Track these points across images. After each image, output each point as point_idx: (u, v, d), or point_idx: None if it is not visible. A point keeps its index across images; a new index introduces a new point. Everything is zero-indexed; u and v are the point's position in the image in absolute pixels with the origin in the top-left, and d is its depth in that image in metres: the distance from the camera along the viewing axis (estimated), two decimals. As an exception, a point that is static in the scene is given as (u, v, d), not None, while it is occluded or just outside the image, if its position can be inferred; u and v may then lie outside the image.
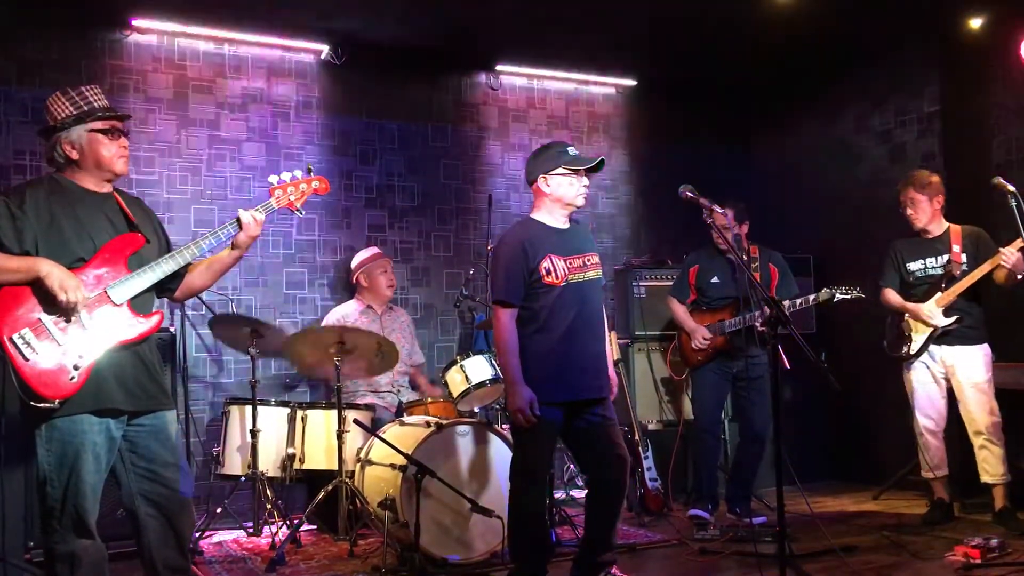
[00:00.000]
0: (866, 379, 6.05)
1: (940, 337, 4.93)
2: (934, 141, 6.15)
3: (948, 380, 4.98)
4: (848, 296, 5.00)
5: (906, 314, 5.06)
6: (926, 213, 5.00)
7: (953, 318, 4.88)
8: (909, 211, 5.03)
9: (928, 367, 5.00)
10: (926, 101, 6.24)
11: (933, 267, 5.01)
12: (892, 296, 5.13)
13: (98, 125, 3.06)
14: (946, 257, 4.96)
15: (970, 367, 4.87)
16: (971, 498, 5.21)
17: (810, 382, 5.99)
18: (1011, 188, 4.60)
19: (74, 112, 3.04)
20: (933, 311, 4.91)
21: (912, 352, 5.00)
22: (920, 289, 5.03)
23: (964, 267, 4.89)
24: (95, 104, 3.07)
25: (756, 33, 5.99)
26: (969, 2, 5.64)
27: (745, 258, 5.16)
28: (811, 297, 5.04)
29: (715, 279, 5.31)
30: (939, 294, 4.91)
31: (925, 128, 6.23)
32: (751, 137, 7.43)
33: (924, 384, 5.02)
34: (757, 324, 4.95)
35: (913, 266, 5.08)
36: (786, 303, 5.02)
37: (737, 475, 5.33)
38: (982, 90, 5.99)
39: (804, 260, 6.39)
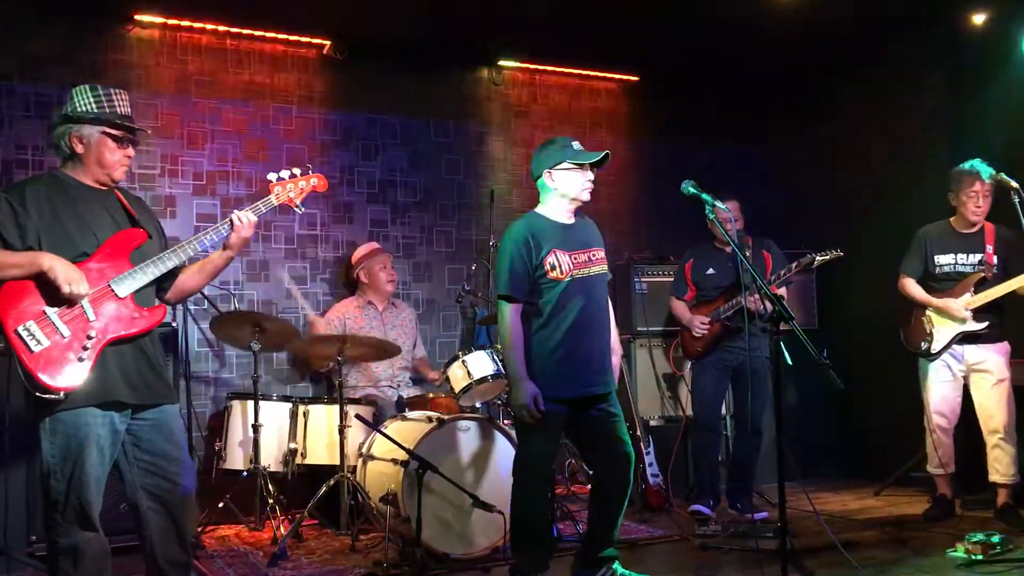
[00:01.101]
0: (868, 376, 6.05)
1: (965, 337, 4.87)
2: (937, 137, 6.14)
3: (966, 378, 4.92)
4: (827, 257, 4.95)
5: (927, 309, 4.97)
6: (986, 212, 4.89)
7: (985, 323, 4.80)
8: (979, 204, 4.84)
9: (949, 366, 4.93)
10: (929, 97, 6.23)
11: (964, 264, 4.92)
12: (914, 288, 5.03)
13: (112, 131, 3.08)
14: (979, 256, 4.87)
15: (993, 366, 4.82)
16: (972, 495, 5.21)
17: (812, 378, 5.98)
18: (1014, 184, 4.58)
19: (95, 110, 3.06)
20: (963, 311, 4.82)
21: (934, 351, 4.93)
22: (945, 284, 4.93)
23: (995, 269, 4.82)
24: (118, 110, 3.10)
25: (759, 29, 5.97)
26: (973, -2, 5.64)
27: (748, 254, 5.16)
28: (794, 264, 5.04)
29: (710, 270, 5.32)
30: (968, 295, 4.82)
31: (928, 124, 6.22)
32: (754, 133, 7.40)
33: (942, 382, 4.95)
34: (748, 305, 4.94)
35: (943, 259, 4.97)
36: (771, 277, 5.06)
37: (737, 470, 5.34)
38: (985, 86, 5.97)
39: (806, 256, 6.37)
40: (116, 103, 3.10)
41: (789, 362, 5.05)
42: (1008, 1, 5.61)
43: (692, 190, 3.87)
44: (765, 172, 7.27)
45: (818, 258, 4.97)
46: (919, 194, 6.11)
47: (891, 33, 6.16)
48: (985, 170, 4.85)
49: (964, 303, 4.83)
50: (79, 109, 3.06)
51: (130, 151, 3.15)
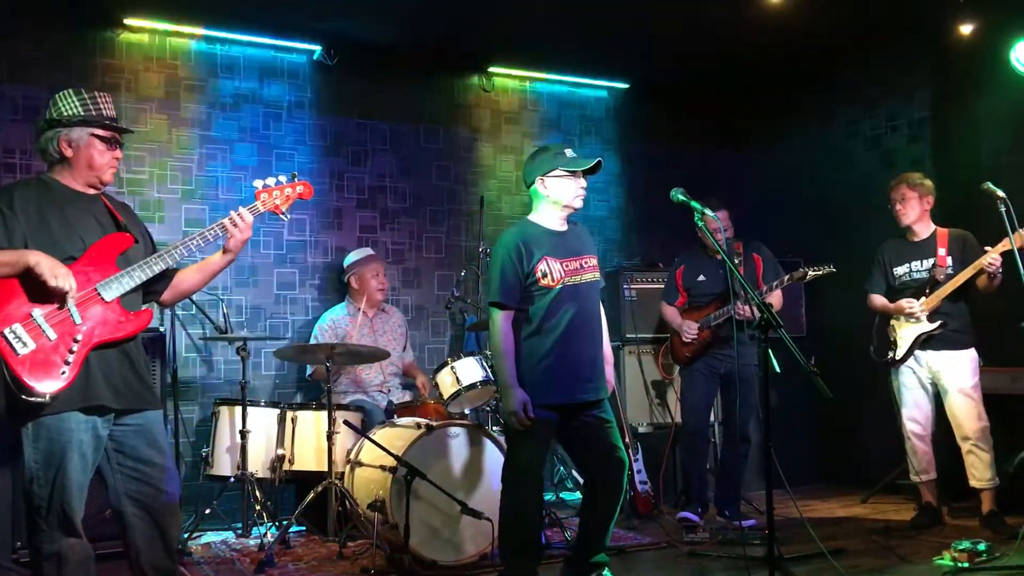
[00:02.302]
0: (855, 383, 6.05)
1: (926, 342, 4.93)
2: (924, 146, 6.18)
3: (935, 384, 4.98)
4: (820, 272, 4.98)
5: (891, 319, 5.06)
6: (915, 211, 5.01)
7: (937, 323, 4.88)
8: (898, 207, 5.04)
9: (914, 371, 5.01)
10: (916, 106, 6.27)
11: (918, 271, 5.01)
12: (876, 300, 5.15)
13: (100, 132, 3.08)
14: (931, 261, 4.96)
15: (956, 372, 4.87)
16: (959, 502, 5.23)
17: (799, 386, 5.99)
18: (1000, 194, 4.60)
19: (82, 113, 3.05)
20: (915, 305, 4.89)
21: (898, 357, 5.01)
22: (905, 294, 5.01)
23: (949, 271, 4.89)
24: (104, 112, 3.10)
25: (748, 38, 6.00)
26: (960, 8, 5.67)
27: (737, 261, 5.17)
28: (786, 277, 5.06)
29: (701, 277, 5.33)
30: (923, 298, 4.91)
31: (915, 133, 6.26)
32: (743, 141, 7.45)
33: (911, 388, 5.03)
34: (736, 315, 4.94)
35: (899, 270, 5.08)
36: (764, 288, 5.05)
37: (725, 478, 5.34)
38: (972, 96, 6.02)
39: (795, 264, 6.39)
40: (102, 106, 3.10)
41: (777, 369, 5.06)
42: (995, 12, 5.65)
43: (681, 197, 3.88)
44: (753, 180, 7.29)
45: (811, 273, 4.97)
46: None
47: (879, 43, 6.20)
48: (900, 176, 5.09)
49: (919, 305, 4.89)
50: (65, 113, 3.05)
51: (118, 153, 3.15)
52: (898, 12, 5.68)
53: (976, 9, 5.65)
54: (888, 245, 5.21)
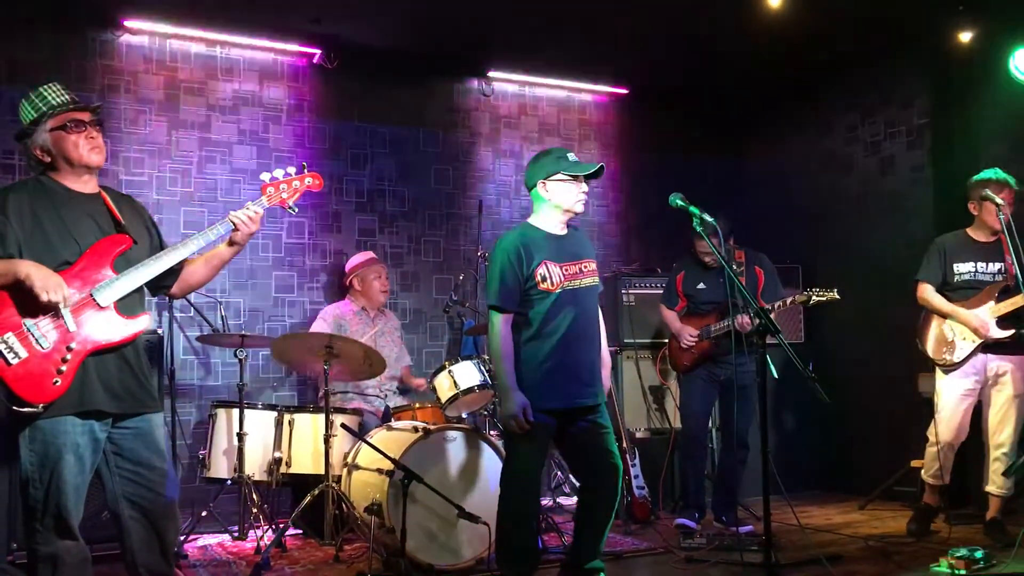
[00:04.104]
0: (854, 389, 6.07)
1: (988, 346, 4.74)
2: (923, 153, 6.19)
3: (983, 389, 4.79)
4: (823, 298, 4.88)
5: (948, 318, 4.84)
6: (1000, 221, 4.71)
7: (1011, 331, 4.66)
8: (1002, 211, 4.65)
9: (968, 375, 4.78)
10: (915, 113, 6.28)
11: (984, 272, 4.80)
12: (935, 296, 4.88)
13: (55, 123, 3.01)
14: (999, 265, 4.77)
15: (1013, 379, 4.72)
16: (957, 508, 5.21)
17: (797, 392, 6.01)
18: (999, 201, 4.60)
19: (34, 115, 3.02)
20: (988, 321, 4.70)
21: (956, 360, 4.79)
22: (964, 293, 4.81)
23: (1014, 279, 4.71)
24: (52, 101, 3.03)
25: (747, 43, 6.01)
26: (959, 16, 5.68)
27: (738, 270, 5.16)
28: (788, 299, 5.03)
29: (701, 284, 5.32)
30: (991, 303, 4.71)
31: (914, 140, 6.26)
32: (742, 147, 7.46)
33: (958, 397, 4.79)
34: (736, 327, 4.93)
35: (962, 267, 4.84)
36: (766, 308, 5.03)
37: (723, 483, 5.34)
38: (971, 103, 6.03)
39: (793, 270, 6.42)
40: (49, 97, 3.03)
41: (775, 375, 5.06)
42: (994, 20, 5.66)
43: (680, 202, 3.88)
44: (751, 186, 7.30)
45: (815, 297, 4.91)
46: (905, 209, 6.16)
47: (878, 50, 6.21)
48: (1006, 180, 4.78)
49: (988, 312, 4.71)
50: (25, 122, 3.03)
51: (90, 132, 3.04)
52: (898, 19, 5.68)
53: (975, 17, 5.66)
54: (948, 240, 4.95)
